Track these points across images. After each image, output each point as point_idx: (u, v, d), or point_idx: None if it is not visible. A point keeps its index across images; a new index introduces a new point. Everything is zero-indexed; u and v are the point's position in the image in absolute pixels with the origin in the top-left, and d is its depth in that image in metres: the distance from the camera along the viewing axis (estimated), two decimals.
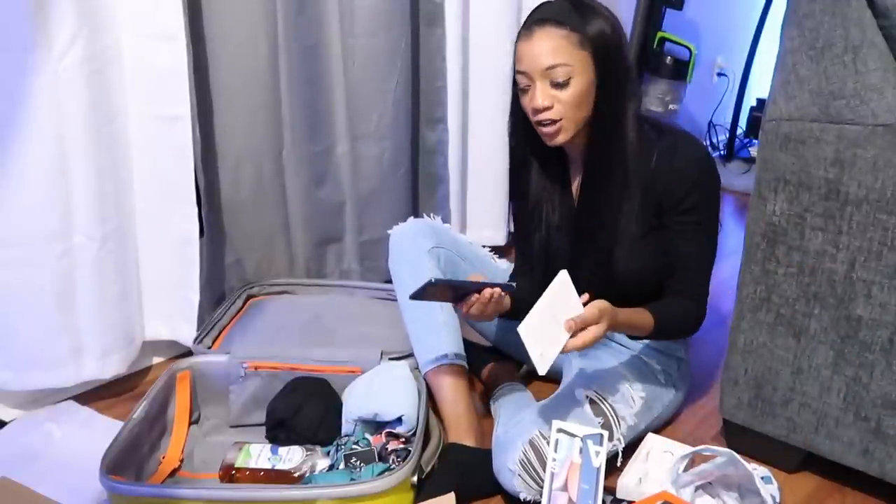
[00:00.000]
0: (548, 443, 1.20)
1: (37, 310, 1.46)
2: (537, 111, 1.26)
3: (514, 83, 1.32)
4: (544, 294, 1.17)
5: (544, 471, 1.19)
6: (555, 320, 1.17)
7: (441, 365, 1.40)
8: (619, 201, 1.33)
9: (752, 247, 1.30)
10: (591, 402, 1.32)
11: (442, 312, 1.43)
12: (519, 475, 1.23)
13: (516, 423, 1.29)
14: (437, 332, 1.42)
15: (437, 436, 1.37)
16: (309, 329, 1.71)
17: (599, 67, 1.25)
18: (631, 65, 1.33)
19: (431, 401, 1.42)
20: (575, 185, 1.41)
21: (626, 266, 1.36)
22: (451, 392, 1.39)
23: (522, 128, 1.36)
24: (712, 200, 1.34)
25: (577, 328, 1.17)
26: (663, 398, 1.47)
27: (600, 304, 1.20)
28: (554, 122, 1.26)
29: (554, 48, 1.22)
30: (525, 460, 1.22)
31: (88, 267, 1.49)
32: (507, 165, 1.50)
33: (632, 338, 1.48)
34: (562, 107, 1.25)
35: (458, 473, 1.29)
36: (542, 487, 1.18)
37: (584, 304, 1.20)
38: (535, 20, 1.25)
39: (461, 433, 1.36)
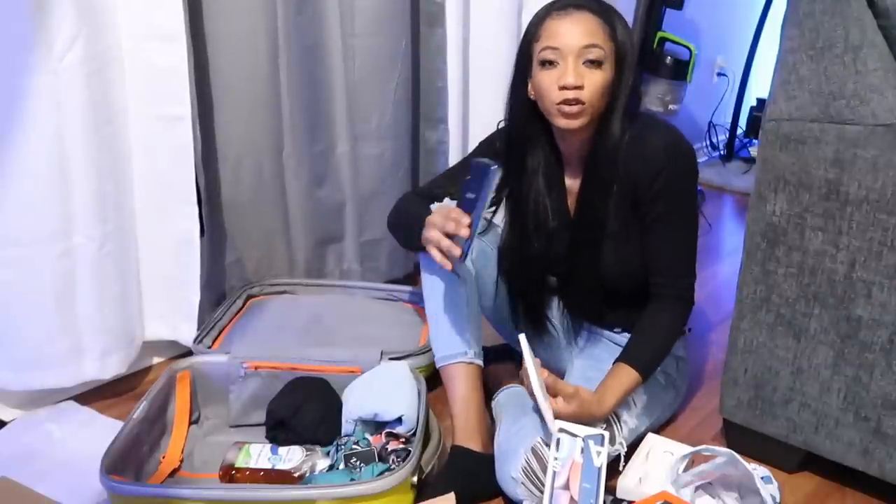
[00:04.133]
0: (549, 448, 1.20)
1: (37, 310, 1.46)
2: (567, 88, 1.23)
3: (518, 70, 1.31)
4: (531, 372, 1.20)
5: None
6: (543, 391, 1.22)
7: (460, 362, 1.39)
8: (609, 202, 1.33)
9: (752, 247, 1.30)
10: None
11: (468, 307, 1.41)
12: (522, 483, 1.23)
13: (518, 430, 1.29)
14: (461, 327, 1.40)
15: (437, 436, 1.37)
16: (309, 329, 1.71)
17: (619, 65, 1.27)
18: (636, 71, 1.33)
19: (437, 397, 1.41)
20: (570, 186, 1.40)
21: (611, 265, 1.36)
22: (465, 392, 1.38)
23: (522, 122, 1.34)
24: (683, 187, 1.31)
25: (548, 385, 1.23)
26: (663, 399, 1.47)
27: (583, 388, 1.24)
28: (580, 102, 1.24)
29: (593, 30, 1.24)
30: (528, 469, 1.22)
31: (88, 267, 1.49)
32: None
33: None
34: (589, 91, 1.24)
35: (462, 480, 1.28)
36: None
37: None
38: (570, 3, 1.27)
39: (468, 436, 1.36)
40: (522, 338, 1.24)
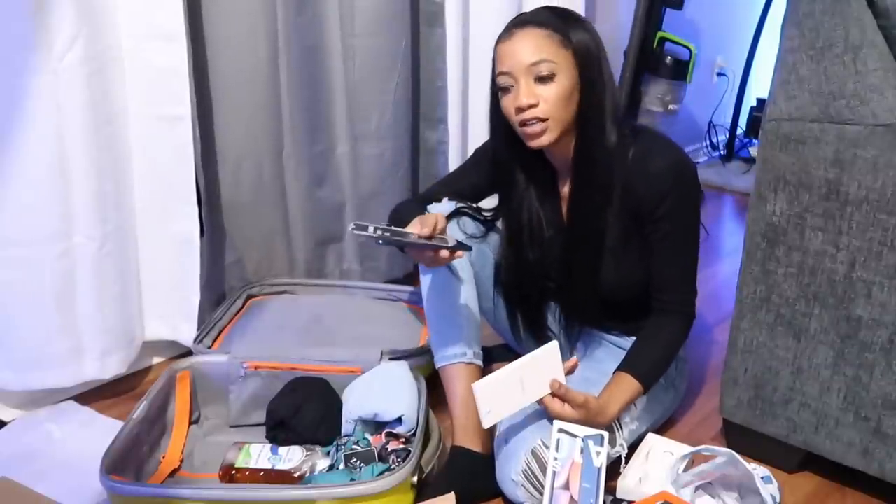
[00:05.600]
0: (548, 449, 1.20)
1: (37, 310, 1.46)
2: (522, 109, 1.23)
3: (493, 93, 1.31)
4: (524, 357, 1.19)
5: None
6: (521, 385, 1.20)
7: (459, 363, 1.39)
8: (604, 209, 1.32)
9: (752, 247, 1.30)
10: None
11: (467, 308, 1.41)
12: (522, 485, 1.22)
13: (518, 431, 1.29)
14: (460, 326, 1.40)
15: (437, 436, 1.37)
16: (309, 329, 1.71)
17: (582, 70, 1.25)
18: (611, 74, 1.31)
19: (437, 397, 1.40)
20: (564, 195, 1.40)
21: (609, 276, 1.35)
22: (464, 392, 1.37)
23: (505, 142, 1.34)
24: (688, 207, 1.31)
25: (559, 395, 1.21)
26: (663, 400, 1.46)
27: (591, 398, 1.23)
28: (541, 120, 1.23)
29: (537, 45, 1.23)
30: (528, 471, 1.22)
31: (88, 267, 1.49)
32: None
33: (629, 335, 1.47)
34: (547, 105, 1.23)
35: (462, 481, 1.28)
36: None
37: (573, 367, 1.25)
38: (514, 23, 1.26)
39: (468, 437, 1.35)
40: (554, 344, 1.22)
